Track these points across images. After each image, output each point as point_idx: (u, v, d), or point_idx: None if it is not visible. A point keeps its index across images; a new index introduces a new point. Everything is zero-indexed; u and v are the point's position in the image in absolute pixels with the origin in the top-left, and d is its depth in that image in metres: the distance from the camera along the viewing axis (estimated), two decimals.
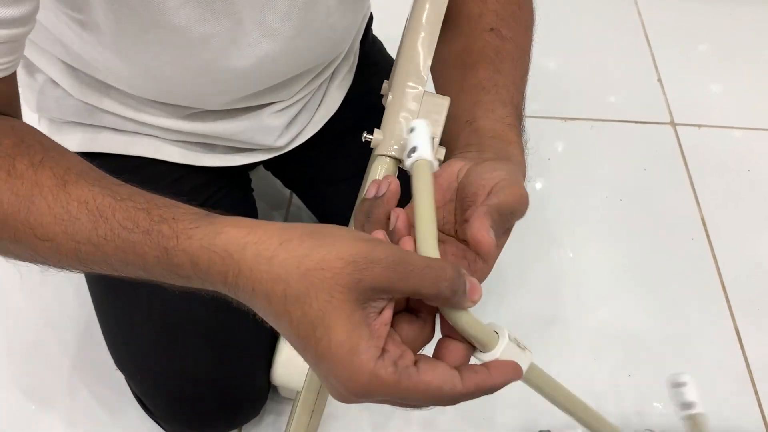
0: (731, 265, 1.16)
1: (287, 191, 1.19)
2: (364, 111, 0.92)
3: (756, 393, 1.02)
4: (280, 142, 0.83)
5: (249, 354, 0.84)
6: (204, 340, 0.81)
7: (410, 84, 0.54)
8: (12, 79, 0.53)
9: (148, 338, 0.80)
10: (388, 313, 0.38)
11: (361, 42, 0.93)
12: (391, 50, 1.02)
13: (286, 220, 1.16)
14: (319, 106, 0.87)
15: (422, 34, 0.56)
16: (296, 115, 0.83)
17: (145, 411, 0.88)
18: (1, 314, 1.03)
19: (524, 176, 0.51)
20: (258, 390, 0.87)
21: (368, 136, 0.53)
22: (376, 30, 1.01)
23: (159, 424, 0.88)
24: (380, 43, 1.02)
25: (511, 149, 0.52)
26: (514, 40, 0.61)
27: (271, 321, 0.40)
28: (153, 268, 0.43)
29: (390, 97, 0.54)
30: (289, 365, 0.84)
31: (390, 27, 1.05)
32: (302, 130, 0.86)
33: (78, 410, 0.94)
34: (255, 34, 0.66)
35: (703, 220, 1.23)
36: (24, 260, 0.49)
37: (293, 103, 0.81)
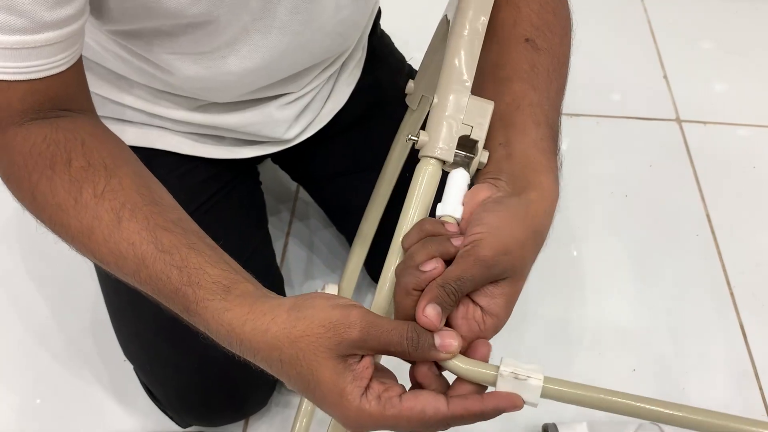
0: (736, 261, 1.17)
1: (294, 185, 1.19)
2: (371, 105, 0.93)
3: (760, 388, 1.02)
4: (288, 135, 0.84)
5: None
6: None
7: (455, 87, 0.55)
8: (78, 65, 0.57)
9: (157, 330, 0.80)
10: (367, 359, 0.46)
11: (370, 36, 0.93)
12: (399, 45, 1.03)
13: (293, 213, 1.17)
14: (327, 99, 0.87)
15: (467, 38, 0.57)
16: (304, 108, 0.83)
17: (153, 401, 0.89)
18: (8, 305, 1.04)
19: (553, 203, 0.53)
20: (265, 382, 0.87)
21: (413, 137, 0.54)
22: (384, 24, 1.02)
23: (167, 414, 0.88)
24: (388, 37, 1.03)
25: (541, 178, 0.52)
26: (549, 51, 0.59)
27: (275, 375, 0.48)
28: (180, 315, 0.52)
29: (435, 100, 0.55)
30: None
31: (398, 22, 1.06)
32: (310, 123, 0.86)
33: (86, 400, 0.95)
34: (264, 27, 0.66)
35: (708, 216, 1.23)
36: None
37: (301, 96, 0.82)
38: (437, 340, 0.45)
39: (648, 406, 0.48)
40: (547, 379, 0.46)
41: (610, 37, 1.56)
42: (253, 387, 0.86)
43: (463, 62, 0.56)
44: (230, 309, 0.49)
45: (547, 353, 1.03)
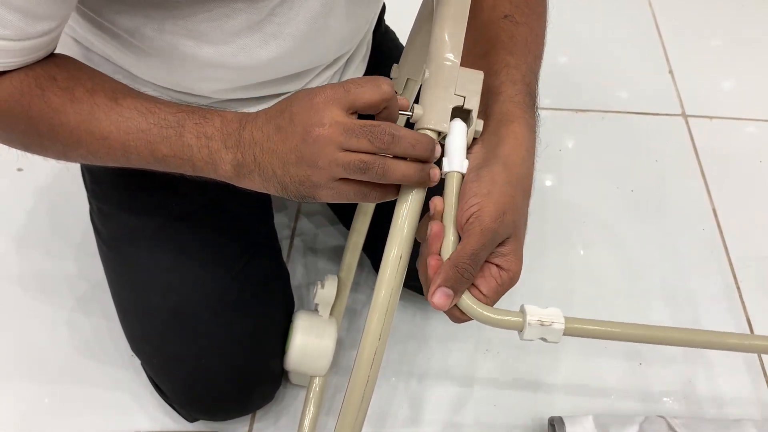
0: (742, 255, 1.16)
1: None
2: None
3: (767, 381, 1.02)
4: None
5: (263, 340, 0.85)
6: (219, 326, 0.81)
7: (446, 58, 0.56)
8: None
9: (164, 323, 0.81)
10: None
11: (374, 32, 0.94)
12: (404, 39, 1.03)
13: (298, 209, 1.17)
14: None
15: (452, 9, 0.58)
16: None
17: (160, 395, 0.89)
18: (14, 304, 1.05)
19: (529, 150, 0.55)
20: (272, 376, 0.88)
21: (406, 112, 0.56)
22: (389, 19, 1.02)
23: (174, 408, 0.89)
24: (393, 32, 1.03)
25: (512, 128, 0.55)
26: (527, 25, 0.63)
27: (274, 126, 0.54)
28: (186, 134, 0.57)
29: (426, 74, 0.57)
30: (302, 352, 0.85)
31: (402, 16, 1.06)
32: None
33: (93, 395, 0.96)
34: (279, 35, 0.66)
35: (714, 210, 1.23)
36: (74, 161, 0.64)
37: None
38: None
39: (665, 334, 0.56)
40: (567, 320, 0.53)
41: (615, 33, 1.56)
42: (259, 380, 0.86)
43: (452, 35, 0.57)
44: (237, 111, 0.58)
45: (553, 348, 1.03)
